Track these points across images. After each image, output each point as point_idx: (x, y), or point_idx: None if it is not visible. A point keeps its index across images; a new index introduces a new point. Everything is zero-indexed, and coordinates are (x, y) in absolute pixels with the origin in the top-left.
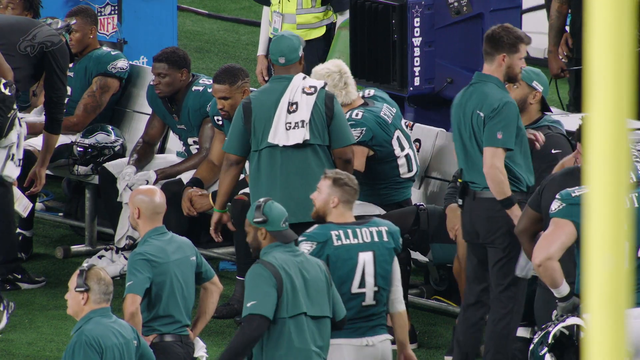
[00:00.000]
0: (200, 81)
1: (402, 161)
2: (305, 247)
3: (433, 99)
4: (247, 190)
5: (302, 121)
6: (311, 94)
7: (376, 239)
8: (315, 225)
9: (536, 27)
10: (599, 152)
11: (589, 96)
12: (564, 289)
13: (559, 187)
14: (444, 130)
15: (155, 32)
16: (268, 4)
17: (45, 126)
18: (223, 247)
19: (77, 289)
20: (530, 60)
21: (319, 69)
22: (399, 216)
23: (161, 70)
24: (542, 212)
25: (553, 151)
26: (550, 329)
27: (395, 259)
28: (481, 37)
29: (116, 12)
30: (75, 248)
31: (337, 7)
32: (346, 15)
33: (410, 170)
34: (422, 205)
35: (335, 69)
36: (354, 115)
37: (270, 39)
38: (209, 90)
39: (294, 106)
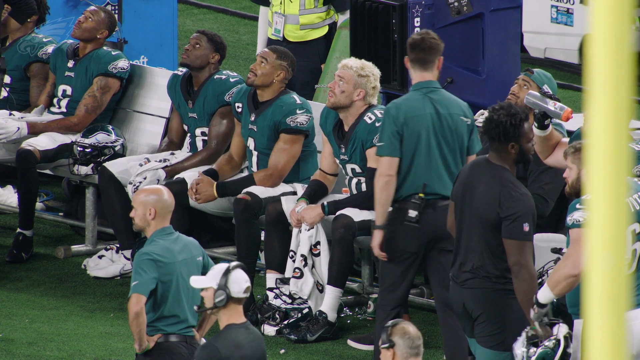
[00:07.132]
0: (224, 72)
1: None
2: None
3: None
4: (249, 189)
5: None
6: None
7: None
8: None
9: (536, 27)
10: (599, 153)
11: (589, 96)
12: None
13: (466, 177)
14: None
15: (156, 32)
16: (266, 4)
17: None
18: (223, 247)
19: (383, 346)
20: (530, 60)
21: (368, 64)
22: None
23: (198, 40)
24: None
25: None
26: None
27: None
28: (481, 37)
29: (116, 11)
30: (75, 248)
31: (340, 7)
32: (347, 14)
33: None
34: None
35: (376, 71)
36: (379, 115)
37: (269, 40)
38: (232, 80)
39: None
